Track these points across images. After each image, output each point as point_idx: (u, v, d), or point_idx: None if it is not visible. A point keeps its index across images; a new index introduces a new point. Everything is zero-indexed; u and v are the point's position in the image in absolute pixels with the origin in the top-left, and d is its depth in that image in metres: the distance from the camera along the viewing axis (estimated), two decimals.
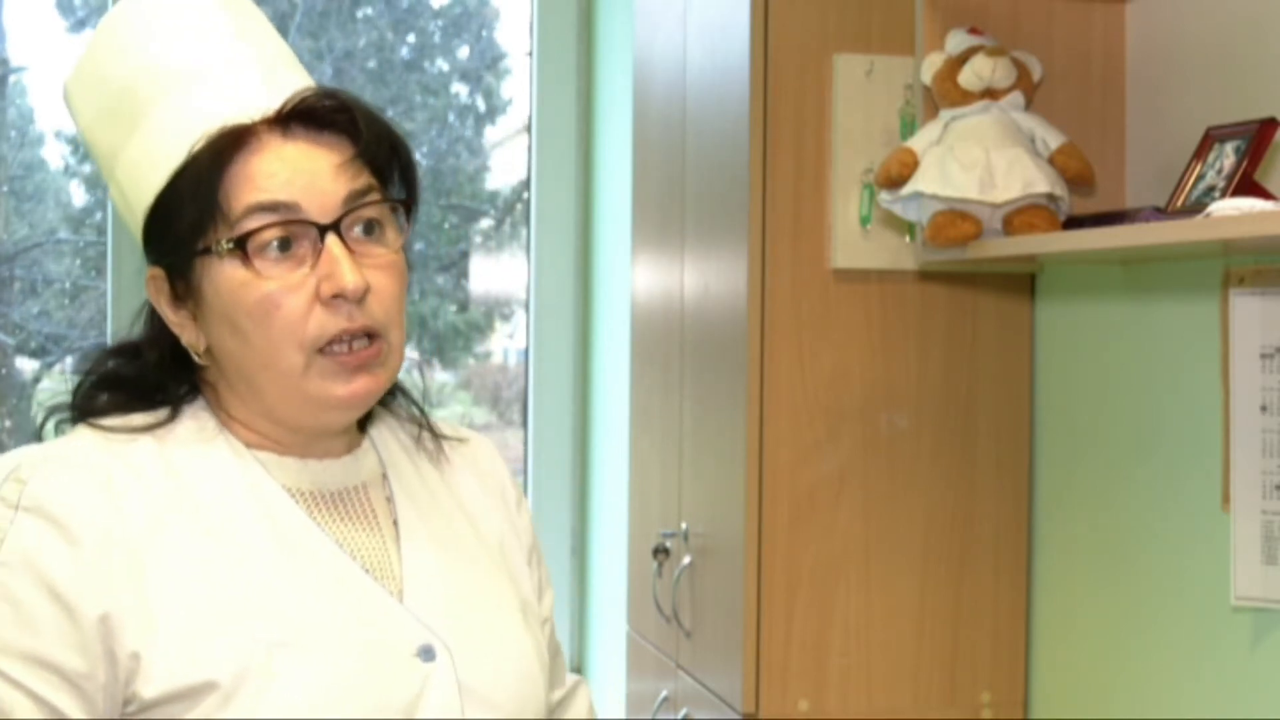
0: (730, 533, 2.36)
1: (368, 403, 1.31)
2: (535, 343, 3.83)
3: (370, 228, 1.28)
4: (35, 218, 3.64)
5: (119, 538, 1.20)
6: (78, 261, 3.64)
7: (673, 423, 2.68)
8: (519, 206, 3.94)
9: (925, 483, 2.33)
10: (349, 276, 1.23)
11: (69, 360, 3.68)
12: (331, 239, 1.24)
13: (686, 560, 2.57)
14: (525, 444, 3.87)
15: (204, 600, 1.20)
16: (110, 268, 3.37)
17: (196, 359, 1.30)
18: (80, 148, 3.64)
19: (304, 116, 1.27)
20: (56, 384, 3.67)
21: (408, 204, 1.32)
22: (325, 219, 1.25)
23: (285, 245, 1.24)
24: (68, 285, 3.63)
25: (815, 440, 2.29)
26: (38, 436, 1.32)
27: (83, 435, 1.28)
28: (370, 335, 1.26)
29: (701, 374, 2.53)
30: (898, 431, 2.32)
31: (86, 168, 3.66)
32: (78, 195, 3.70)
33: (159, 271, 1.29)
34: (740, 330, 2.30)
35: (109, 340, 3.39)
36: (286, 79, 1.30)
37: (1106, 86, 2.09)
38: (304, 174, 1.25)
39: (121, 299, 3.37)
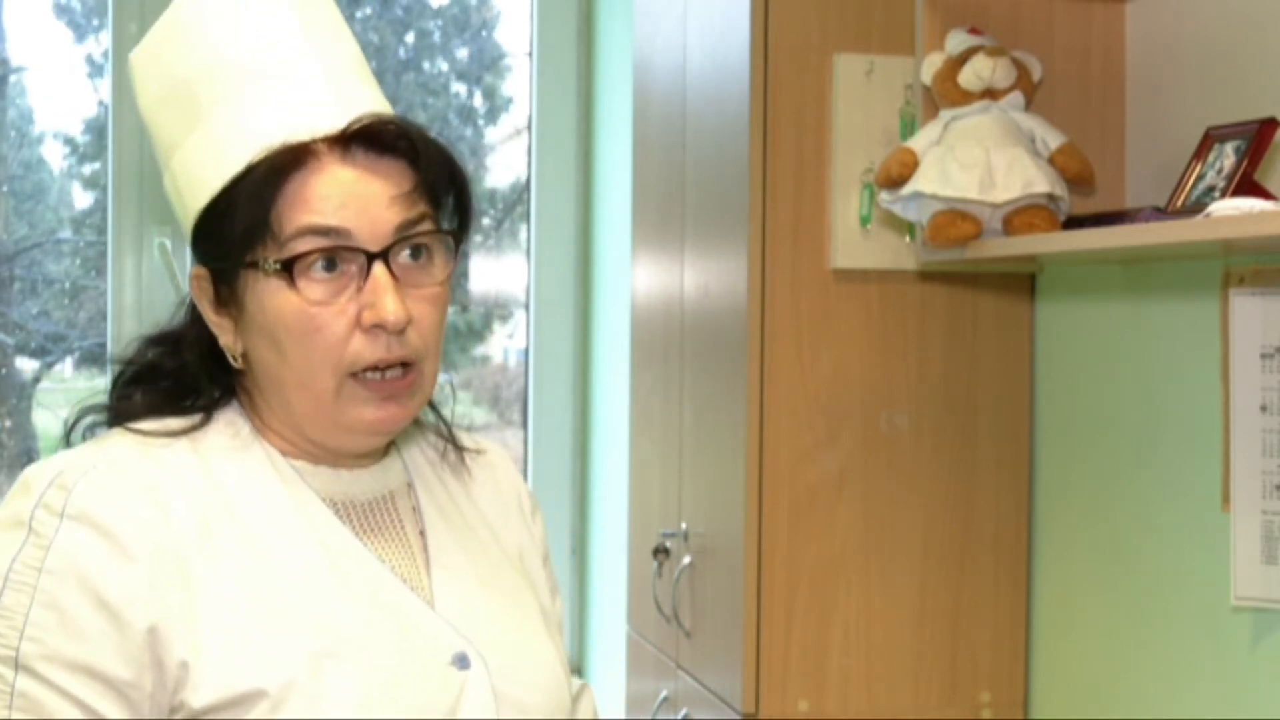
0: (730, 533, 2.36)
1: (394, 430, 1.30)
2: (535, 343, 3.83)
3: (418, 253, 1.27)
4: (35, 218, 3.64)
5: (167, 547, 1.19)
6: (78, 261, 3.64)
7: (673, 423, 2.68)
8: (519, 206, 3.93)
9: (925, 483, 2.33)
10: (391, 309, 1.23)
11: (69, 360, 3.68)
12: (379, 268, 1.23)
13: (686, 560, 2.57)
14: (525, 444, 3.87)
15: (250, 609, 1.20)
16: (110, 268, 3.37)
17: (232, 361, 1.29)
18: (80, 147, 3.64)
19: (365, 139, 1.25)
20: (56, 383, 3.67)
21: (459, 235, 1.31)
22: (375, 247, 1.24)
23: (331, 265, 1.23)
24: (68, 285, 3.63)
25: (815, 440, 2.29)
26: (67, 436, 1.31)
27: (120, 440, 1.27)
28: (405, 365, 1.26)
29: (701, 374, 2.53)
30: (898, 431, 2.32)
31: (86, 168, 3.66)
32: (78, 195, 3.70)
33: (204, 272, 1.28)
34: (740, 330, 2.30)
35: (109, 341, 3.39)
36: (353, 94, 1.28)
37: (1106, 86, 2.09)
38: (358, 199, 1.24)
39: (121, 299, 3.37)
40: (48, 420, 3.62)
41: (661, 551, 2.67)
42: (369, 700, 1.21)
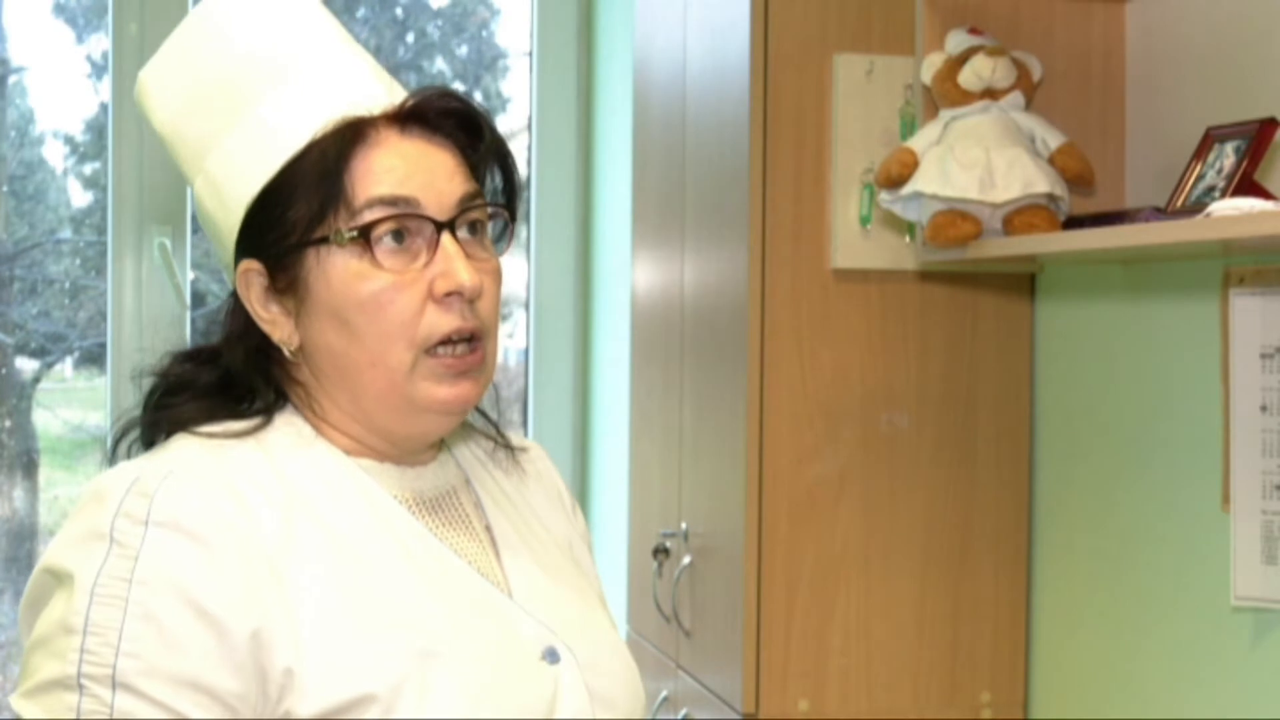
0: (730, 533, 2.36)
1: (466, 409, 1.28)
2: (535, 343, 3.82)
3: (474, 229, 1.28)
4: (35, 218, 3.64)
5: (257, 550, 1.15)
6: (78, 261, 3.64)
7: (673, 423, 2.68)
8: (519, 206, 3.93)
9: (925, 483, 2.33)
10: (465, 275, 1.22)
11: (69, 360, 3.68)
12: (447, 237, 1.24)
13: (686, 560, 2.57)
14: None
15: (347, 610, 1.17)
16: (110, 268, 3.37)
17: (289, 356, 1.27)
18: (80, 147, 3.64)
19: (417, 116, 1.26)
20: (56, 383, 3.67)
21: (512, 212, 1.32)
22: (442, 217, 1.24)
23: (400, 237, 1.23)
24: (68, 285, 3.63)
25: (815, 440, 2.29)
26: (113, 452, 1.27)
27: (187, 444, 1.23)
28: (474, 338, 1.25)
29: (701, 374, 2.53)
30: (898, 431, 2.32)
31: (86, 168, 3.66)
32: (78, 195, 3.70)
33: (256, 264, 1.25)
34: (740, 330, 2.30)
35: (109, 341, 3.39)
36: (392, 80, 1.31)
37: (1106, 86, 2.09)
38: (423, 171, 1.24)
39: (121, 299, 3.37)
40: (48, 420, 3.62)
41: (661, 551, 2.67)
42: (476, 699, 1.18)
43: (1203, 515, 1.92)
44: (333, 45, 1.29)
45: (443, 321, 1.23)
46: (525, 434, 3.85)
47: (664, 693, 2.68)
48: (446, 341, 1.24)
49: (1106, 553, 2.16)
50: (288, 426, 1.27)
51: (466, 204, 1.26)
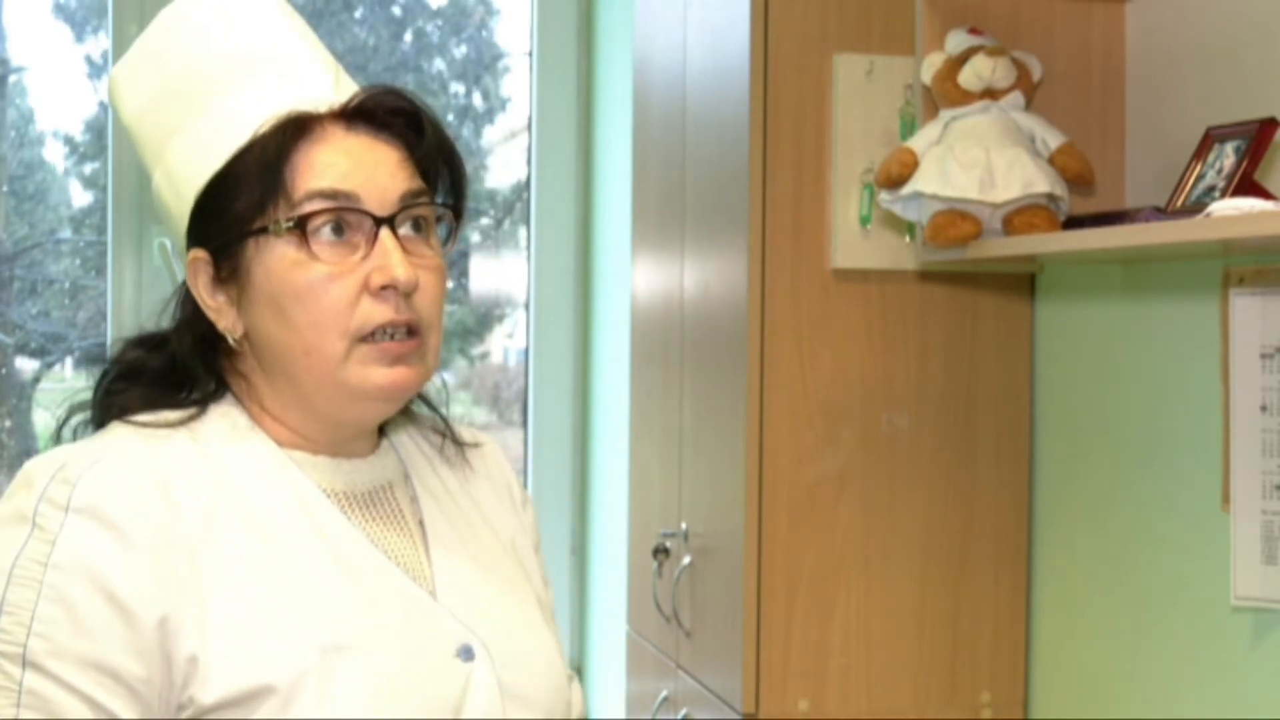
0: (730, 533, 2.36)
1: (405, 395, 1.31)
2: (535, 343, 3.83)
3: (419, 226, 1.30)
4: (35, 218, 3.64)
5: (175, 538, 1.19)
6: (78, 261, 3.64)
7: (673, 423, 2.68)
8: (518, 206, 3.93)
9: (925, 483, 2.33)
10: (400, 269, 1.25)
11: (69, 360, 3.68)
12: (385, 232, 1.26)
13: (686, 560, 2.57)
14: (525, 444, 3.87)
15: (259, 602, 1.20)
16: (110, 268, 3.37)
17: (234, 344, 1.30)
18: (80, 147, 3.64)
19: (365, 114, 1.29)
20: (56, 383, 3.67)
21: (457, 212, 1.35)
22: (382, 212, 1.26)
23: (339, 230, 1.26)
24: (68, 285, 3.63)
25: (815, 440, 2.29)
26: (58, 434, 1.31)
27: (120, 433, 1.27)
28: (411, 330, 1.27)
29: (701, 374, 2.53)
30: (898, 431, 2.32)
31: (86, 168, 3.66)
32: (78, 195, 3.70)
33: (203, 253, 1.29)
34: (740, 330, 2.30)
35: (109, 341, 3.39)
36: (345, 77, 1.34)
37: (1106, 86, 2.09)
38: (365, 167, 1.27)
39: (121, 299, 3.37)
40: (48, 420, 3.61)
41: (661, 551, 2.67)
42: (378, 696, 1.21)
43: (1203, 515, 1.92)
44: (288, 42, 1.33)
45: (376, 312, 1.26)
46: (525, 434, 3.85)
47: (664, 693, 2.68)
48: (382, 330, 1.26)
49: (1106, 553, 2.16)
50: (223, 418, 1.30)
51: (409, 201, 1.28)
